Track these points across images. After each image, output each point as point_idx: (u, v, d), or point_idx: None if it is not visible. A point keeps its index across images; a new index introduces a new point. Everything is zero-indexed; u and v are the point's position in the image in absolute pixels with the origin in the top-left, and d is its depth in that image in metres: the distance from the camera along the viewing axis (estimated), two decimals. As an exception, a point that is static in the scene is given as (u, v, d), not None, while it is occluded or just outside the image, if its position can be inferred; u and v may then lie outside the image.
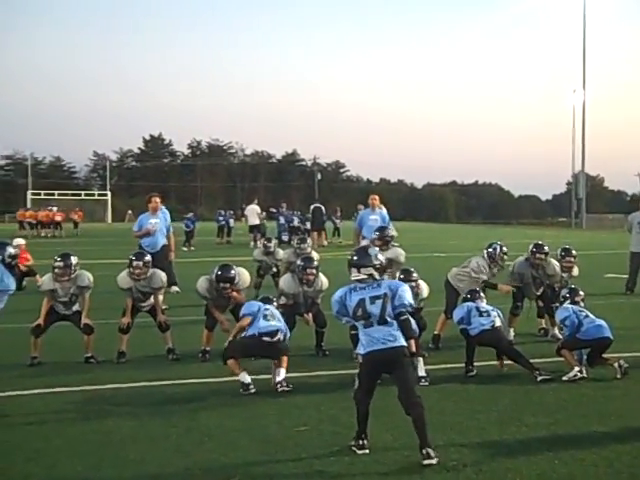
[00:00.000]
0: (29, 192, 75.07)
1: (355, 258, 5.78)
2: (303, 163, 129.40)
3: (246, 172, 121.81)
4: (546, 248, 9.76)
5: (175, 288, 14.42)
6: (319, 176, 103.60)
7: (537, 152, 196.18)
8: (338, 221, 39.06)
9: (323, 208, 33.44)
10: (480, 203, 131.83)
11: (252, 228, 33.34)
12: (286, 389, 7.22)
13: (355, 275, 5.71)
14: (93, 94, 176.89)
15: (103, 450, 5.63)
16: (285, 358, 7.44)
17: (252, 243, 32.20)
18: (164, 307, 12.01)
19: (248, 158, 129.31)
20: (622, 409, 6.70)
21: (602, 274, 18.29)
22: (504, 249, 9.66)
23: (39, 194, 72.86)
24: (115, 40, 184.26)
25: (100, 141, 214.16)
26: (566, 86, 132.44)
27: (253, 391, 7.17)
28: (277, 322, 7.66)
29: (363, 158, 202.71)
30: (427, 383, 7.50)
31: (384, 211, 15.20)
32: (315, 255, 11.04)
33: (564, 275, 10.08)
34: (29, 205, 61.01)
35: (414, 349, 5.88)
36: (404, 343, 5.57)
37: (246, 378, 7.25)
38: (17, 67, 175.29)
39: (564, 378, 7.65)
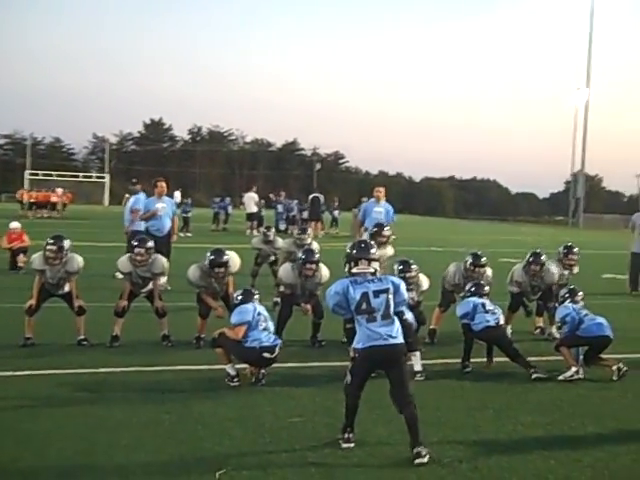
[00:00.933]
0: (27, 172, 74.69)
1: (363, 251, 5.71)
2: (303, 152, 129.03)
3: (245, 160, 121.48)
4: (543, 258, 9.58)
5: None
6: (318, 166, 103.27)
7: (536, 150, 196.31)
8: (336, 212, 38.94)
9: (322, 198, 33.35)
10: (478, 199, 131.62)
11: (249, 216, 33.28)
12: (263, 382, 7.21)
13: (362, 268, 5.62)
14: (95, 76, 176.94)
15: (95, 435, 5.56)
16: None
17: (248, 231, 32.18)
18: (168, 288, 12.05)
19: (248, 146, 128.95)
20: (618, 410, 6.66)
21: (599, 274, 18.26)
22: (482, 260, 9.33)
23: (37, 174, 72.53)
24: (120, 23, 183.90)
25: (100, 124, 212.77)
26: (568, 85, 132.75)
27: (238, 384, 7.08)
28: (270, 327, 7.47)
29: (363, 150, 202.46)
30: (423, 378, 7.45)
31: (388, 204, 15.14)
32: (316, 246, 10.98)
33: (565, 272, 10.03)
34: (26, 185, 60.71)
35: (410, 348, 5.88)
36: (403, 341, 5.51)
37: (232, 370, 7.17)
38: (18, 48, 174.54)
39: (560, 377, 7.61)
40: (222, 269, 8.69)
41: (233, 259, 9.03)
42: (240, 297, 7.68)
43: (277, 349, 7.26)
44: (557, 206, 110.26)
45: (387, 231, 10.87)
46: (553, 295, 9.46)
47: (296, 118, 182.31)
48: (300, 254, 9.22)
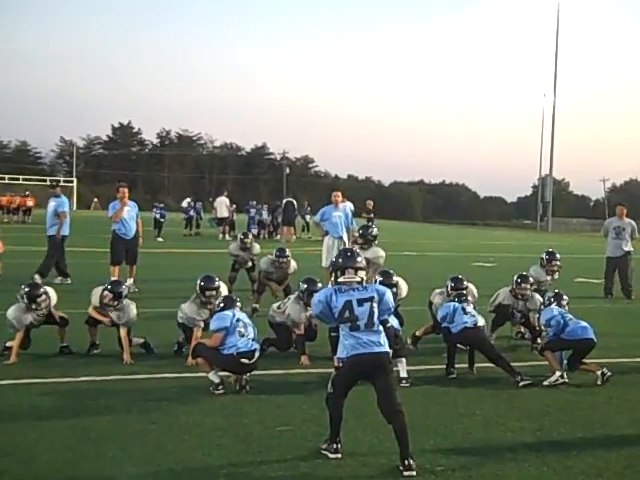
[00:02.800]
0: (-7, 176, 73.55)
1: (350, 260, 5.61)
2: (272, 157, 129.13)
3: (215, 164, 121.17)
4: (531, 280, 9.47)
5: (59, 279, 14.62)
6: (288, 170, 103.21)
7: (504, 154, 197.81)
8: (308, 216, 38.90)
9: (295, 203, 33.34)
10: (446, 203, 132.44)
11: (221, 220, 33.16)
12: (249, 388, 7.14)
13: (349, 277, 5.53)
14: (62, 79, 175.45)
15: (81, 446, 5.44)
16: None
17: (221, 235, 32.06)
18: (136, 290, 12.03)
19: (217, 150, 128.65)
20: (606, 416, 6.68)
21: (572, 278, 18.39)
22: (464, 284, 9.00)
23: (3, 178, 71.47)
24: (87, 26, 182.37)
25: (68, 127, 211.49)
26: (536, 90, 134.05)
27: (222, 392, 6.97)
28: (250, 332, 7.33)
29: (332, 154, 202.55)
30: (409, 384, 7.42)
31: (348, 207, 15.36)
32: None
33: (548, 278, 10.07)
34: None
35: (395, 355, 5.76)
36: (388, 349, 5.45)
37: (216, 377, 7.07)
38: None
39: (545, 383, 7.63)
40: (214, 292, 8.37)
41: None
42: (221, 304, 7.61)
43: (255, 354, 7.19)
44: (525, 210, 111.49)
45: (374, 230, 11.57)
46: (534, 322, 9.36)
47: (265, 122, 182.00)
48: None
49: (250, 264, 13.45)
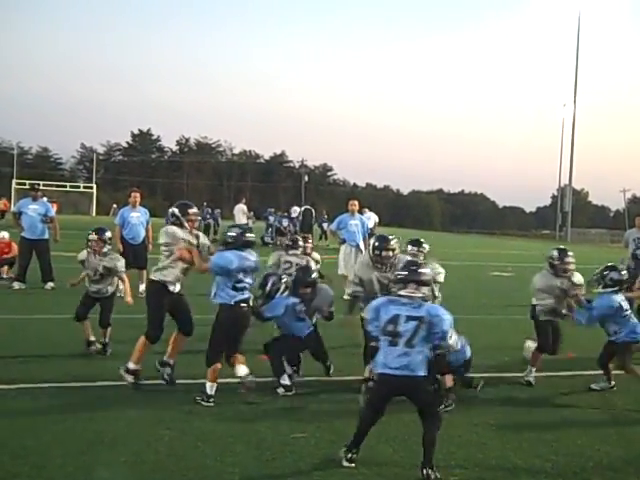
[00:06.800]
0: (14, 181, 74.23)
1: (414, 273, 5.36)
2: (291, 165, 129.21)
3: (233, 171, 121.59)
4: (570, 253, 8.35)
5: (50, 284, 14.55)
6: (306, 178, 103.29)
7: (523, 164, 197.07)
8: (325, 224, 38.85)
9: (313, 211, 33.36)
10: (465, 212, 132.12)
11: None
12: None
13: (410, 292, 5.29)
14: (84, 86, 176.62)
15: (94, 450, 5.44)
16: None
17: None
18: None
19: (236, 157, 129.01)
20: (624, 428, 6.60)
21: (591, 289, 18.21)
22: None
23: (24, 184, 72.10)
24: (110, 34, 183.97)
25: (88, 134, 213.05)
26: (555, 100, 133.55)
27: (212, 405, 6.76)
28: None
29: (350, 162, 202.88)
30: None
31: (373, 219, 15.46)
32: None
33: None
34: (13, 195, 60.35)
35: (449, 384, 5.38)
36: (423, 373, 5.15)
37: (213, 389, 6.87)
38: (7, 56, 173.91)
39: (593, 386, 7.77)
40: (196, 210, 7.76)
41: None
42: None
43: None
44: (543, 220, 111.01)
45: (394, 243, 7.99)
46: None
47: (284, 130, 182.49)
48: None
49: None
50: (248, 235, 7.11)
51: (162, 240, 7.26)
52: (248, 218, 33.57)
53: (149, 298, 7.37)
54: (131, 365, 7.29)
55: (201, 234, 7.58)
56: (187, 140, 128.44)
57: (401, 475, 5.15)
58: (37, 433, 5.79)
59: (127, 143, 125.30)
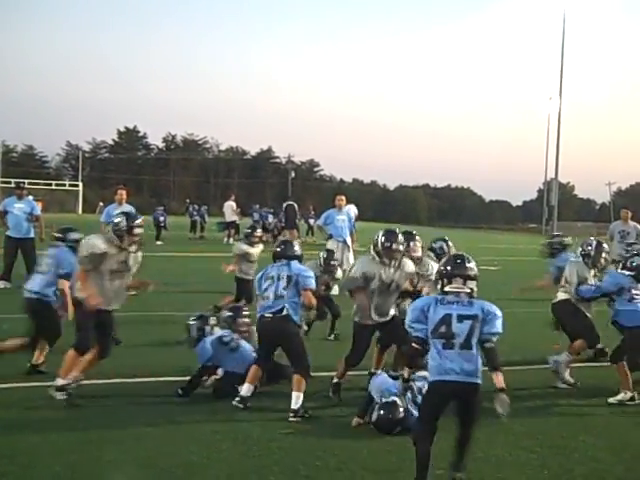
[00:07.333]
0: (-2, 180, 73.82)
1: (459, 267, 5.00)
2: (277, 160, 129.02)
3: (220, 168, 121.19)
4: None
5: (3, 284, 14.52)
6: (293, 174, 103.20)
7: (510, 158, 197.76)
8: (312, 220, 38.84)
9: (296, 206, 33.31)
10: (452, 206, 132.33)
11: (228, 224, 33.15)
12: None
13: (456, 287, 4.90)
14: (69, 84, 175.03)
15: (82, 449, 5.44)
16: None
17: (226, 239, 32.04)
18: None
19: (222, 154, 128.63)
20: (608, 420, 6.66)
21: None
22: None
23: (9, 182, 71.68)
24: (94, 30, 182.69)
25: (74, 131, 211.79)
26: (541, 94, 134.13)
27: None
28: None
29: (337, 158, 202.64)
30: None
31: (352, 211, 15.57)
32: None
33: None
34: (-1, 193, 59.98)
35: (501, 384, 4.72)
36: (479, 381, 4.78)
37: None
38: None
39: (611, 400, 7.17)
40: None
41: None
42: None
43: None
44: (530, 214, 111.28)
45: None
46: None
47: (271, 126, 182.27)
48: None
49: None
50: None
51: None
52: (236, 215, 33.57)
53: None
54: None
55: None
56: (174, 137, 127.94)
57: (386, 470, 5.17)
58: (24, 432, 5.79)
59: (113, 140, 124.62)
